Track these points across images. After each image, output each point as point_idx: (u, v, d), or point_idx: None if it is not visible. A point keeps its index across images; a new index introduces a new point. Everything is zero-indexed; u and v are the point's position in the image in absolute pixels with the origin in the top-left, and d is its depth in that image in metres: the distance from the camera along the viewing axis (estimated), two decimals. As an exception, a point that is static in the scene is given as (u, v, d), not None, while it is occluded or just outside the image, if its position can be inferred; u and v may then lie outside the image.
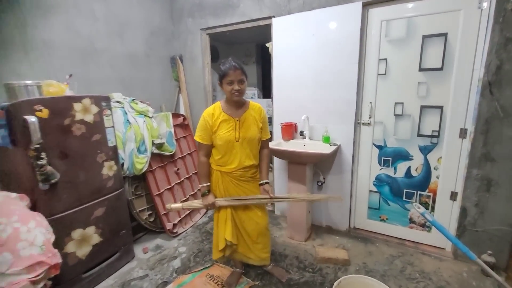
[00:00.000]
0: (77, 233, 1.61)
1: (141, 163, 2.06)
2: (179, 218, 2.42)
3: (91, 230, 1.69)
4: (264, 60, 4.18)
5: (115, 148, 1.85)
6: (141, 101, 2.43)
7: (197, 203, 1.65)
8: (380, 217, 2.22)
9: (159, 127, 2.34)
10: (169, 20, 2.85)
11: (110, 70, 2.30)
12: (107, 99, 1.80)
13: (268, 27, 2.38)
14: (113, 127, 1.83)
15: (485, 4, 1.61)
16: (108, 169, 1.79)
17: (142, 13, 2.54)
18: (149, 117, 2.22)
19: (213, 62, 3.94)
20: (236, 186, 1.57)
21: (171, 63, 2.95)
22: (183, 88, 2.99)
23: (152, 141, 2.17)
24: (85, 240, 1.65)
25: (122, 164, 1.98)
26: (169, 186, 2.38)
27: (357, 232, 2.29)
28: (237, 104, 1.52)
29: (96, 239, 1.72)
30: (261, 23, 2.44)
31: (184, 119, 2.71)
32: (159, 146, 2.27)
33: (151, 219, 2.27)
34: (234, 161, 1.52)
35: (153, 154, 2.23)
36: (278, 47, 2.34)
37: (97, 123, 1.70)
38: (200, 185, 1.58)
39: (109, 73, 2.30)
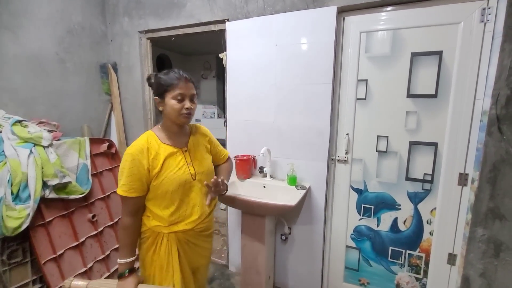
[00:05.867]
0: None
1: (17, 218, 1.36)
2: (90, 287, 1.71)
3: None
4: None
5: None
6: (41, 121, 1.75)
7: (111, 285, 1.00)
8: (360, 280, 1.72)
9: (64, 159, 1.66)
10: (97, 18, 2.23)
11: (-9, 78, 1.61)
12: None
13: (223, 34, 1.88)
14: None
15: (490, 17, 1.25)
16: None
17: (54, 4, 1.90)
18: (43, 146, 1.54)
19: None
20: (193, 250, 1.10)
21: (101, 72, 2.31)
22: (116, 104, 2.34)
23: (44, 182, 1.49)
24: None
25: (-17, 221, 1.28)
26: (76, 243, 1.68)
27: (332, 300, 1.77)
28: (181, 129, 1.08)
29: None
30: (213, 27, 1.93)
31: (111, 145, 2.05)
32: (61, 187, 1.59)
33: (40, 297, 1.54)
34: (194, 210, 1.05)
35: (49, 200, 1.54)
36: (232, 58, 1.83)
37: None
38: (119, 261, 0.98)
39: (-11, 81, 1.60)
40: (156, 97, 1.01)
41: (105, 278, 1.81)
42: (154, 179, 0.96)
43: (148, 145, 0.97)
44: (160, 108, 1.02)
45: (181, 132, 1.08)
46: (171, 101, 0.97)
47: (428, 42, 1.38)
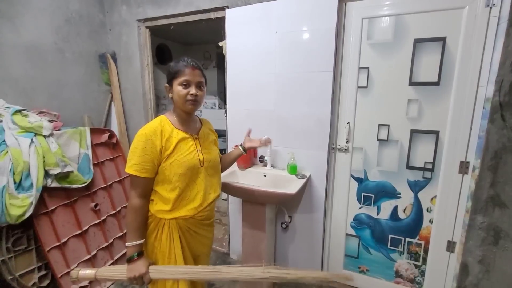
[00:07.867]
0: None
1: (21, 206, 1.38)
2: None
3: None
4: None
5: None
6: (41, 111, 1.75)
7: (120, 270, 1.00)
8: (359, 267, 1.75)
9: (65, 148, 1.67)
10: (95, 6, 2.19)
11: (-10, 67, 1.60)
12: None
13: (223, 22, 1.85)
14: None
15: (496, 1, 1.21)
16: None
17: (50, -8, 1.87)
18: (44, 135, 1.55)
19: (163, 65, 3.33)
20: (194, 238, 1.11)
21: (100, 62, 2.29)
22: (116, 94, 2.33)
23: (46, 171, 1.50)
24: None
25: (-14, 210, 1.30)
26: (79, 231, 1.71)
27: (331, 286, 1.80)
28: (190, 117, 1.09)
29: None
30: (212, 15, 1.89)
31: (112, 135, 2.06)
32: (63, 177, 1.60)
33: (45, 283, 1.57)
34: (197, 196, 1.05)
35: (51, 189, 1.56)
36: (232, 46, 1.81)
37: None
38: (128, 244, 0.98)
39: (-12, 71, 1.60)
40: (166, 85, 1.04)
41: (109, 265, 1.84)
42: (165, 160, 0.98)
43: (161, 128, 1.00)
44: (170, 95, 1.04)
45: (191, 120, 1.10)
46: (177, 88, 0.99)
47: (431, 28, 1.35)
